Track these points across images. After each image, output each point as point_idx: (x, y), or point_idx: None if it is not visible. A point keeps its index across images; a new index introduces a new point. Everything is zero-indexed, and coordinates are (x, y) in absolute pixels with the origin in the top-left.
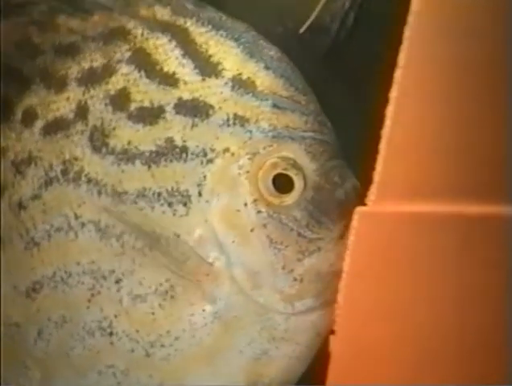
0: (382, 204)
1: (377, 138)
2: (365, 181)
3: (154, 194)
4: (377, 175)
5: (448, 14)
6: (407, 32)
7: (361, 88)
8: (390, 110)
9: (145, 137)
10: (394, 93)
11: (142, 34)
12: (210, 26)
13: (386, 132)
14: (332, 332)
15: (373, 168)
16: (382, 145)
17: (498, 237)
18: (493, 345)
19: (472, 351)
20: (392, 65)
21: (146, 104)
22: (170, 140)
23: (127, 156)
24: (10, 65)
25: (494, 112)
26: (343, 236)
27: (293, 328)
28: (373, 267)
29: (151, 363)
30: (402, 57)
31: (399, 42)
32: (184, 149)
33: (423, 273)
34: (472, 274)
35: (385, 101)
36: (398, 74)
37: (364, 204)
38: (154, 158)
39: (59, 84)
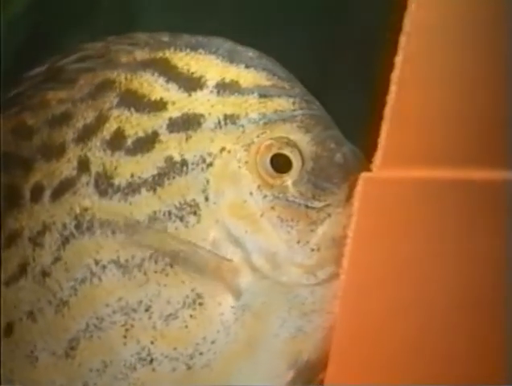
0: (387, 170)
1: (382, 104)
2: (370, 147)
3: (164, 214)
4: (382, 141)
5: None
6: None
7: (366, 54)
8: (394, 75)
9: (145, 165)
10: (398, 58)
11: (126, 78)
12: (188, 49)
13: (390, 97)
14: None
15: (378, 134)
16: (387, 111)
17: (503, 202)
18: (495, 309)
19: (475, 316)
20: (397, 30)
21: (141, 134)
22: (169, 158)
23: (132, 188)
24: (10, 153)
25: (500, 78)
26: (349, 197)
27: (320, 298)
28: (378, 232)
29: (194, 374)
30: (407, 22)
31: (404, 7)
32: (184, 163)
33: (428, 238)
34: (476, 239)
35: (390, 66)
36: (403, 39)
37: (369, 170)
38: (158, 180)
39: (58, 152)
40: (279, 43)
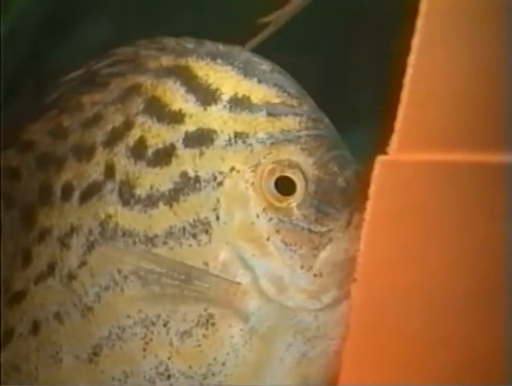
0: (403, 153)
1: (399, 87)
2: (387, 130)
3: (179, 230)
4: (398, 124)
5: None
6: None
7: (384, 37)
8: (411, 59)
9: (163, 178)
10: (415, 42)
11: (152, 84)
12: (209, 59)
13: (407, 80)
14: (354, 280)
15: (394, 117)
16: (404, 94)
17: None
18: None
19: (492, 297)
20: (414, 13)
21: (160, 145)
22: (184, 174)
23: (151, 201)
24: (47, 153)
25: None
26: (350, 222)
27: (324, 324)
28: (394, 215)
29: None
30: (423, 5)
31: None
32: (197, 179)
33: (444, 221)
34: (492, 222)
35: (407, 50)
36: (419, 22)
37: (385, 153)
38: (174, 195)
39: (88, 153)
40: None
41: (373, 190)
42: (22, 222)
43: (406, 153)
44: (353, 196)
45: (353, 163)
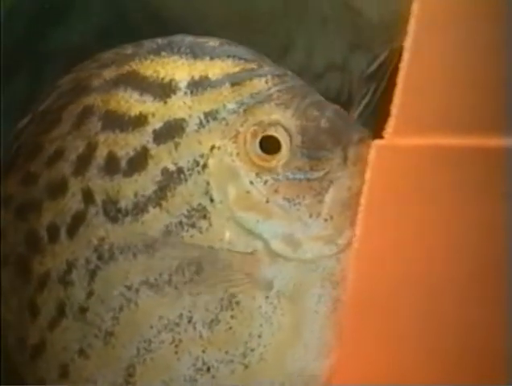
0: (399, 137)
1: (395, 71)
2: (383, 114)
3: (176, 226)
4: (394, 108)
5: None
6: None
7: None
8: (408, 42)
9: (145, 182)
10: (412, 26)
11: (103, 100)
12: (152, 56)
13: (404, 65)
14: None
15: (390, 101)
16: (400, 78)
17: None
18: (507, 278)
19: (487, 282)
20: None
21: (131, 153)
22: (165, 171)
23: (140, 208)
24: (23, 202)
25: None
26: (346, 159)
27: (348, 264)
28: (391, 199)
29: (252, 371)
30: None
31: None
32: (180, 171)
33: (441, 206)
34: (490, 207)
35: (403, 34)
36: (415, 6)
37: (381, 137)
38: (160, 194)
39: (62, 188)
40: None
41: (369, 174)
42: (18, 277)
43: (402, 138)
44: (341, 132)
45: (330, 104)
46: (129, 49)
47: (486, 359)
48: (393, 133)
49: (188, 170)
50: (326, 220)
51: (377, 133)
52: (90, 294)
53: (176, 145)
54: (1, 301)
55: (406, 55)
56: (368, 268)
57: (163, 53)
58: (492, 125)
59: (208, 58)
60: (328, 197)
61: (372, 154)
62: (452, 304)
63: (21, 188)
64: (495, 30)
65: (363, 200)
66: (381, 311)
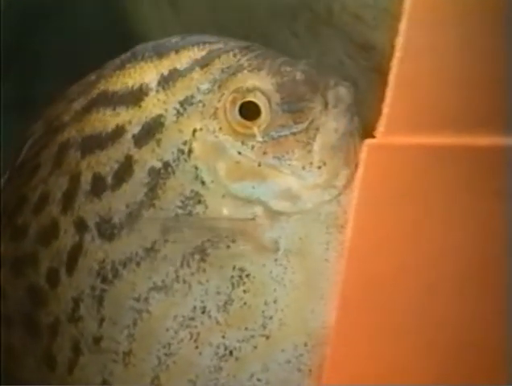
0: (391, 136)
1: (386, 70)
2: (375, 113)
3: (173, 220)
4: (385, 107)
5: None
6: None
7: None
8: (398, 41)
9: (134, 189)
10: (403, 25)
11: (77, 130)
12: (117, 71)
13: (394, 63)
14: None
15: (382, 100)
16: (391, 77)
17: (507, 168)
18: (500, 276)
19: (481, 280)
20: None
21: (116, 166)
22: (152, 170)
23: (133, 216)
24: (14, 258)
25: (505, 44)
26: (327, 102)
27: (350, 204)
28: (382, 199)
29: (274, 339)
30: None
31: None
32: (167, 165)
33: (432, 205)
34: (480, 205)
35: (394, 32)
36: (407, 4)
37: (373, 136)
38: (152, 195)
39: (53, 232)
40: None
41: (360, 173)
42: (28, 335)
43: (393, 137)
44: (317, 80)
45: (301, 62)
46: (93, 76)
47: (485, 358)
48: (384, 132)
49: (174, 161)
50: (319, 167)
51: (369, 132)
52: (101, 321)
53: (158, 142)
54: (15, 364)
55: (397, 54)
56: (360, 266)
57: (128, 65)
58: (484, 123)
59: (173, 52)
60: (317, 145)
61: (363, 153)
62: (447, 302)
63: (12, 244)
64: (488, 27)
65: (354, 199)
66: (375, 310)
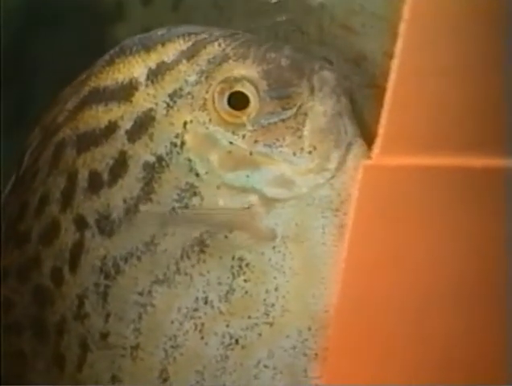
0: (387, 157)
1: (382, 91)
2: (371, 134)
3: (170, 213)
4: (381, 128)
5: None
6: None
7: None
8: (394, 63)
9: (130, 184)
10: (398, 46)
11: (71, 128)
12: (106, 67)
13: (390, 85)
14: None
15: (377, 121)
16: (387, 99)
17: (502, 190)
18: (493, 296)
19: (473, 301)
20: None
21: (111, 162)
22: (146, 164)
23: (131, 211)
24: (22, 263)
25: (499, 65)
26: (313, 87)
27: (342, 186)
28: (378, 220)
29: (278, 325)
30: (406, 9)
31: None
32: (160, 159)
33: (428, 226)
34: (476, 227)
35: (390, 54)
36: (402, 27)
37: (369, 157)
38: (147, 189)
39: (54, 231)
40: None
41: (356, 194)
42: (37, 338)
43: (389, 158)
44: (303, 64)
45: (286, 45)
46: (83, 75)
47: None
48: (380, 154)
49: (167, 154)
50: (310, 152)
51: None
52: (107, 317)
53: (151, 136)
54: (26, 370)
55: (392, 75)
56: (353, 286)
57: (117, 60)
58: (477, 145)
59: (159, 45)
60: (307, 130)
61: (359, 174)
62: (437, 320)
63: (16, 252)
64: (484, 49)
65: (350, 220)
66: (367, 329)
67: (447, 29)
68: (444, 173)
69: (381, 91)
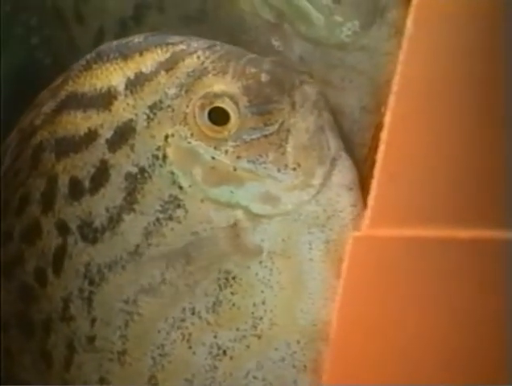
0: (377, 229)
1: (371, 162)
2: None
3: (154, 224)
4: (371, 200)
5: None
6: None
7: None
8: (384, 135)
9: (112, 193)
10: (388, 118)
11: (49, 132)
12: (84, 72)
13: (380, 156)
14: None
15: (367, 193)
16: (377, 170)
17: (491, 262)
18: (485, 367)
19: (467, 373)
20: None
21: (92, 170)
22: (128, 175)
23: (114, 220)
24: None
25: (486, 141)
26: (294, 102)
27: (327, 202)
28: (368, 291)
29: (266, 338)
30: (395, 82)
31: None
32: (143, 170)
33: (418, 297)
34: (464, 298)
35: (379, 127)
36: (391, 99)
37: (358, 229)
38: (130, 199)
39: (36, 232)
40: None
41: (346, 266)
42: (23, 334)
43: (379, 229)
44: (283, 80)
45: (266, 59)
46: (59, 79)
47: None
48: (369, 225)
49: (150, 166)
50: (295, 169)
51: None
52: (93, 322)
53: (132, 147)
54: (12, 365)
55: (381, 147)
56: (343, 357)
57: (95, 66)
58: (465, 218)
59: (137, 54)
60: (290, 146)
61: (349, 246)
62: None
63: (1, 250)
64: (466, 128)
65: (340, 291)
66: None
67: (435, 101)
68: (433, 244)
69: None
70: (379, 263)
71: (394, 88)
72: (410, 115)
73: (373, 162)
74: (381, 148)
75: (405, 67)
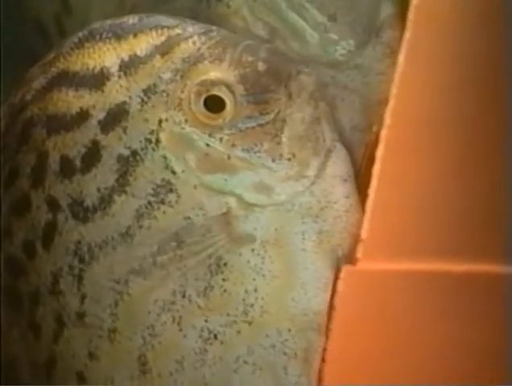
0: (369, 262)
1: (362, 180)
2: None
3: (146, 206)
4: (364, 233)
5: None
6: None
7: None
8: (376, 169)
9: (103, 174)
10: (379, 152)
11: (40, 108)
12: (76, 50)
13: (372, 190)
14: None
15: (360, 225)
16: (369, 204)
17: (484, 295)
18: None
19: None
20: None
21: (83, 150)
22: (120, 157)
23: (106, 200)
24: None
25: (473, 176)
26: (291, 93)
27: (322, 194)
28: (361, 324)
29: (257, 325)
30: (388, 115)
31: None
32: (135, 153)
33: (411, 330)
34: (458, 331)
35: (371, 159)
36: (384, 133)
37: (351, 263)
38: (122, 181)
39: (25, 205)
40: None
41: (338, 299)
42: (11, 307)
43: (372, 263)
44: (280, 70)
45: (262, 45)
46: (51, 54)
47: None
48: (362, 259)
49: (142, 149)
50: (289, 159)
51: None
52: (83, 298)
53: (124, 130)
54: (2, 338)
55: (374, 181)
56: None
57: (87, 44)
58: (459, 251)
59: (131, 36)
60: (285, 136)
61: (341, 279)
62: None
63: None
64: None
65: (333, 323)
66: None
67: (427, 134)
68: (426, 278)
69: None
70: (371, 296)
71: (387, 120)
72: (400, 150)
73: (364, 180)
74: (373, 182)
75: (396, 101)
